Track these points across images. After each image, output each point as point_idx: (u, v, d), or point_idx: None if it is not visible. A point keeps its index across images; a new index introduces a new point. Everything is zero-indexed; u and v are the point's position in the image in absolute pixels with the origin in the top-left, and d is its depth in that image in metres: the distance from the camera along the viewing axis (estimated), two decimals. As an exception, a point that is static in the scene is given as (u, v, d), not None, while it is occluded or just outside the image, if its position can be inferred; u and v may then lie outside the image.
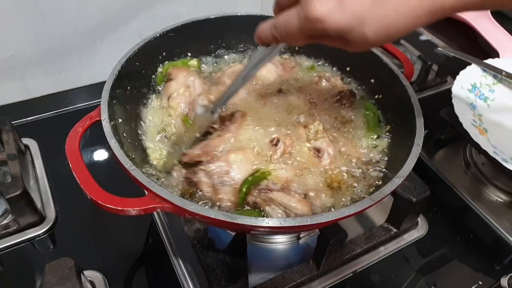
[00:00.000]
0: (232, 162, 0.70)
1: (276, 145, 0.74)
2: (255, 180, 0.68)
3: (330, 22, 0.49)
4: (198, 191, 0.69)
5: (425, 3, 0.49)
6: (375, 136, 0.81)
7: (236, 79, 0.70)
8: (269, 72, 0.93)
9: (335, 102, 0.87)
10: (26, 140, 0.97)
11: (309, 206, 0.66)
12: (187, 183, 0.70)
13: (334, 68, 0.96)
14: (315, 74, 0.95)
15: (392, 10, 0.49)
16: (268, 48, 0.62)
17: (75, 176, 0.58)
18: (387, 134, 0.82)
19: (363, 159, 0.77)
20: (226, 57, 0.99)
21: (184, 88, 0.84)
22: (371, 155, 0.78)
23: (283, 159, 0.74)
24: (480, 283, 0.78)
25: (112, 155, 0.62)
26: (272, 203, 0.66)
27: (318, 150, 0.75)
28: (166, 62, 0.91)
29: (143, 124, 0.81)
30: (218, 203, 0.68)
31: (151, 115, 0.83)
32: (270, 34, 0.57)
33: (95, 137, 0.96)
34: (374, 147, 0.79)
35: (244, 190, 0.67)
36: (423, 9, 0.49)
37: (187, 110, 0.82)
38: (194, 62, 0.94)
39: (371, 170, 0.75)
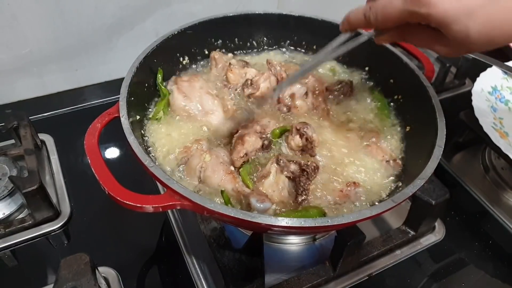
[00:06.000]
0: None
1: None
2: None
3: (437, 7, 0.47)
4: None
5: None
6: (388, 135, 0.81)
7: (298, 70, 0.73)
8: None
9: (335, 90, 0.87)
10: (42, 136, 0.98)
11: None
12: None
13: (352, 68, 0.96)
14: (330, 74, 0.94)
15: (504, 12, 0.47)
16: (339, 41, 0.62)
17: (94, 172, 0.58)
18: (404, 134, 0.81)
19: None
20: (245, 56, 0.99)
21: None
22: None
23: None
24: (499, 290, 0.77)
25: (127, 151, 0.62)
26: None
27: None
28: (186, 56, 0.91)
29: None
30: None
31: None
32: (363, 16, 0.54)
33: (108, 134, 0.96)
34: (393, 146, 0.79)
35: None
36: None
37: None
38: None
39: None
